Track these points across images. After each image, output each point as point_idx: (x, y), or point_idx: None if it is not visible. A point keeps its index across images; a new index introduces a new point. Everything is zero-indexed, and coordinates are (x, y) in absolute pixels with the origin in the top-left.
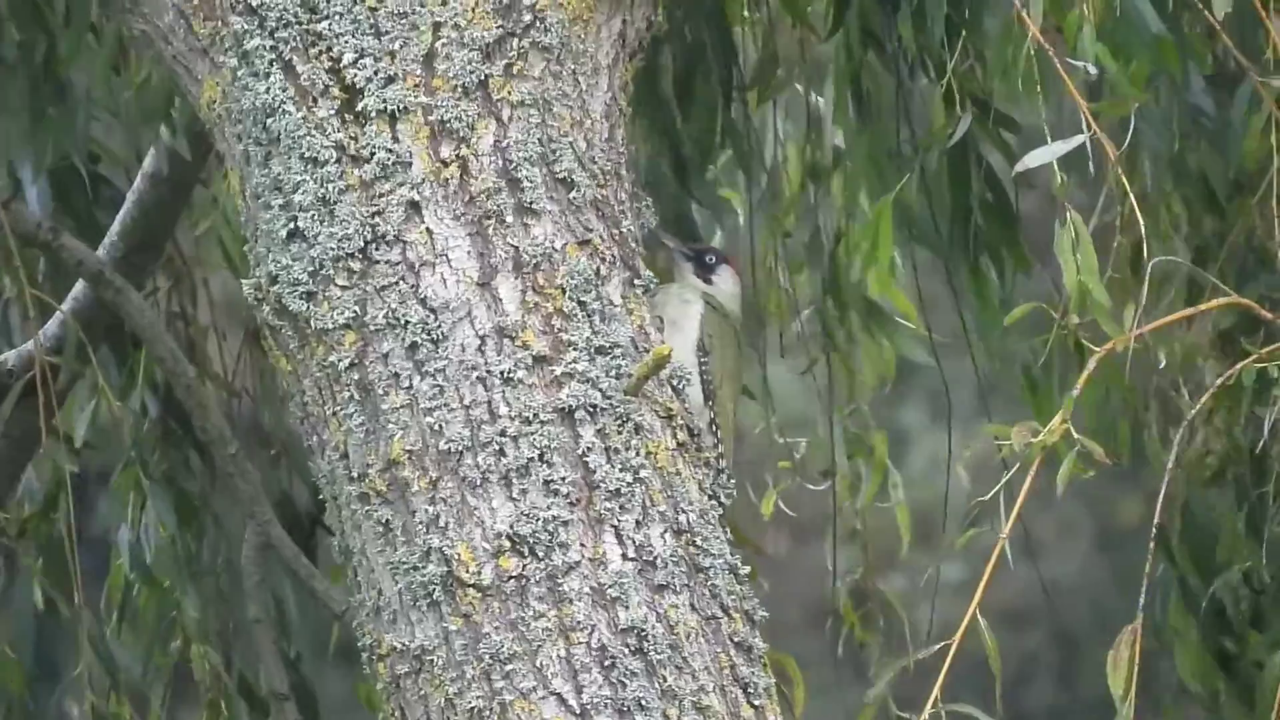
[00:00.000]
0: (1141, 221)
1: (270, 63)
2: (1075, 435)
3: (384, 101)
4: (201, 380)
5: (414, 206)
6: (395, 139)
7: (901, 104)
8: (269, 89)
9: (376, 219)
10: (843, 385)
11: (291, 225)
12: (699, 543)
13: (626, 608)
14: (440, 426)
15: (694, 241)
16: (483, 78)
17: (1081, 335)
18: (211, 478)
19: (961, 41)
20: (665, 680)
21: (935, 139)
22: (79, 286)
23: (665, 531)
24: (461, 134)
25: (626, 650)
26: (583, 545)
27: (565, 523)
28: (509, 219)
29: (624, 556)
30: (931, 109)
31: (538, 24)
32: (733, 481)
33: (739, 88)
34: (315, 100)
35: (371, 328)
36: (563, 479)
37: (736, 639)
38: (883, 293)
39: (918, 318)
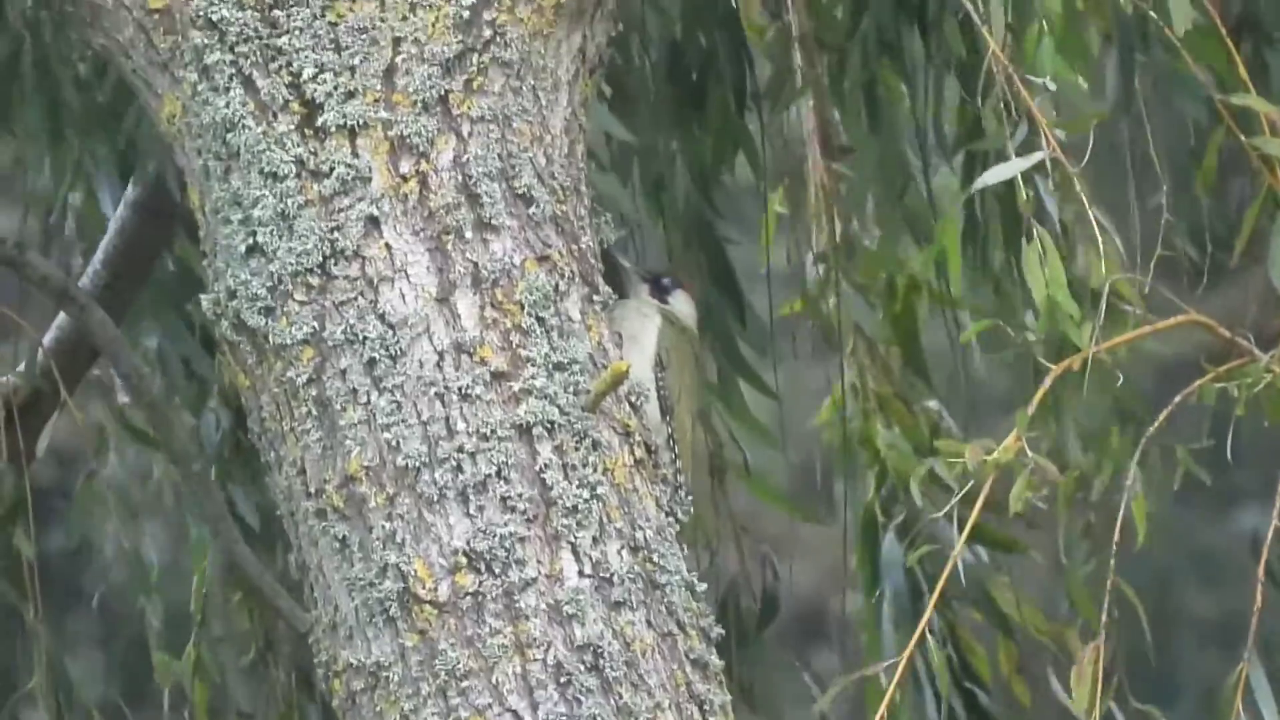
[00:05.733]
0: (1100, 238)
1: (230, 77)
2: (1029, 453)
3: (344, 116)
4: (169, 396)
5: (373, 221)
6: (355, 154)
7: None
8: (229, 104)
9: (336, 234)
10: None
11: (250, 240)
12: (655, 559)
13: (583, 624)
14: (398, 442)
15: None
16: (443, 93)
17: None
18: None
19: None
20: (621, 697)
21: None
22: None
23: (622, 548)
24: (421, 149)
25: (582, 667)
26: (539, 562)
27: (522, 539)
28: (468, 234)
29: (580, 573)
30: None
31: (498, 39)
32: (690, 498)
33: (753, 96)
34: (275, 115)
35: (330, 343)
36: (520, 495)
37: (692, 656)
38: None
39: None
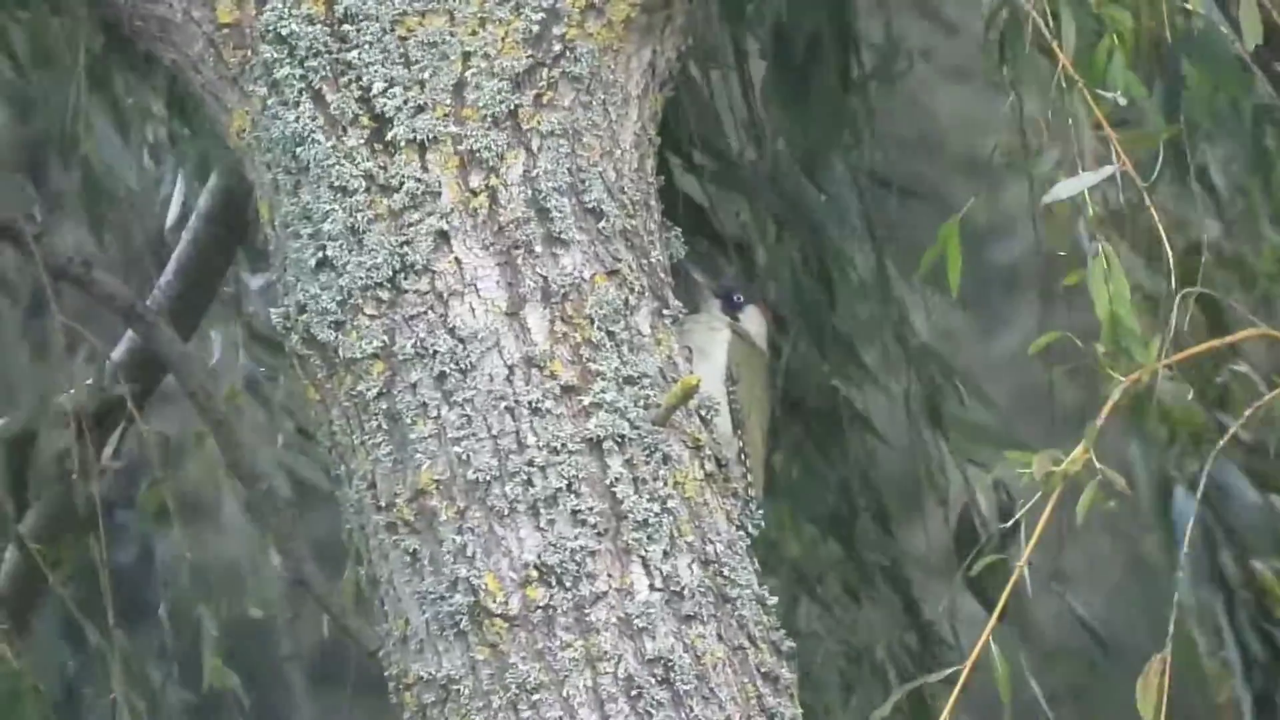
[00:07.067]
0: (1170, 252)
1: (300, 91)
2: (1097, 465)
3: (413, 131)
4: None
5: (443, 236)
6: (424, 168)
7: None
8: (298, 118)
9: (405, 248)
10: None
11: (320, 254)
12: (726, 573)
13: (653, 638)
14: (468, 456)
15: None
16: (512, 107)
17: (1108, 368)
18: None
19: None
20: (692, 710)
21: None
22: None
23: (693, 562)
24: (491, 164)
25: (653, 680)
26: (610, 575)
27: (592, 553)
28: (538, 249)
29: (651, 587)
30: None
31: (568, 54)
32: (761, 512)
33: (859, 80)
34: (345, 129)
35: (400, 357)
36: (590, 509)
37: (763, 669)
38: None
39: None
